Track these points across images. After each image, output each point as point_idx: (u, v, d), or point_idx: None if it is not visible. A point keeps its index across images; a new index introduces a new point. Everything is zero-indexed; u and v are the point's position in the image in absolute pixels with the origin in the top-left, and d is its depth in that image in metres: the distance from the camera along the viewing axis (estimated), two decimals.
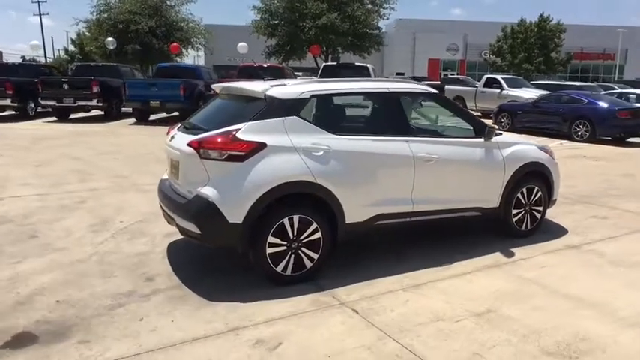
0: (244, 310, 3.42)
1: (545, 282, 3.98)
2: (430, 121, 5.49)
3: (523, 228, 5.05)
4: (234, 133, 3.64)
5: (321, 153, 3.80)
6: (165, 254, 4.46)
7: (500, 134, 5.05)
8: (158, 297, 3.62)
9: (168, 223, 4.24)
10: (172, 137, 4.15)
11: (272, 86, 3.92)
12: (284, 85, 3.98)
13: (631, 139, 13.65)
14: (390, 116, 4.38)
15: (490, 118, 16.28)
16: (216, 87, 4.59)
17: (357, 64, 15.68)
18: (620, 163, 10.31)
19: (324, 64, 14.82)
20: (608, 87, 23.65)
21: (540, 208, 5.15)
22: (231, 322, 3.26)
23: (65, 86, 15.65)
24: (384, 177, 4.11)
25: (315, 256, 3.85)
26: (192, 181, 3.77)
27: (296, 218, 3.73)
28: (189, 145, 3.74)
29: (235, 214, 3.57)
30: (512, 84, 20.80)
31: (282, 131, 3.75)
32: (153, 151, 9.77)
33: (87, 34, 36.70)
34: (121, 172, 8.05)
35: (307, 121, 3.89)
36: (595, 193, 7.21)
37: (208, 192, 3.60)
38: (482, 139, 4.66)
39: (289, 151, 3.72)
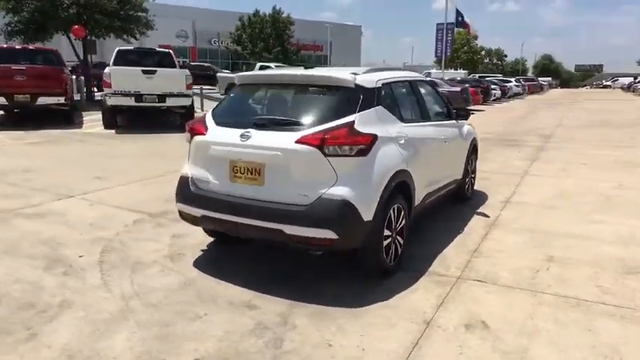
0: (410, 304, 3.32)
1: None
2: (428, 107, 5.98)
3: (470, 191, 6.11)
4: (352, 125, 3.39)
5: (403, 141, 3.88)
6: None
7: None
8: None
9: (236, 235, 3.68)
10: (243, 137, 3.48)
11: (356, 75, 3.73)
12: (358, 73, 3.82)
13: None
14: (427, 103, 4.72)
15: None
16: (257, 76, 4.05)
17: (158, 49, 14.31)
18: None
19: (118, 48, 12.94)
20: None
21: (474, 175, 6.30)
22: (420, 317, 3.14)
23: None
24: (433, 159, 4.49)
25: (402, 242, 3.93)
26: (304, 182, 3.32)
27: (396, 207, 3.74)
28: (302, 142, 3.29)
29: (368, 210, 3.37)
30: None
31: (378, 121, 3.66)
32: None
33: None
34: None
35: (387, 109, 3.88)
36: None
37: (341, 191, 3.27)
38: (454, 121, 5.42)
39: (390, 142, 3.70)
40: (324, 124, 3.37)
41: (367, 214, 3.36)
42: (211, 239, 4.44)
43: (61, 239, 4.51)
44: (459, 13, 36.36)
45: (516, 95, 36.34)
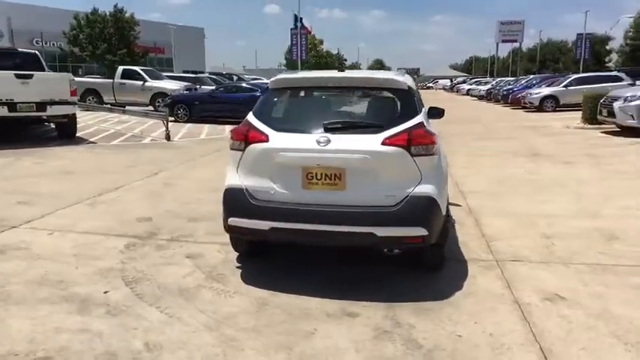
0: (483, 288, 3.55)
1: None
2: None
3: None
4: (424, 125, 3.53)
5: None
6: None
7: None
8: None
9: (310, 244, 3.61)
10: (321, 142, 3.37)
11: (400, 77, 3.85)
12: (400, 75, 3.95)
13: None
14: None
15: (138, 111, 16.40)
16: (306, 79, 3.97)
17: (21, 50, 12.18)
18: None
19: None
20: None
21: None
22: (504, 298, 3.40)
23: None
24: None
25: None
26: (390, 183, 3.36)
27: None
28: (389, 143, 3.33)
29: (443, 206, 3.56)
30: (154, 76, 21.08)
31: (428, 121, 3.86)
32: None
33: None
34: None
35: None
36: None
37: (426, 189, 3.39)
38: None
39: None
40: (400, 125, 3.45)
41: (444, 209, 3.55)
42: (230, 255, 4.19)
43: (59, 276, 3.79)
44: (297, 18, 37.89)
45: None
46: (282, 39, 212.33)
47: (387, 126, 3.47)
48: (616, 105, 12.09)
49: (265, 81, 21.25)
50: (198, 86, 20.92)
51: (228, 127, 14.62)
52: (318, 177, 3.41)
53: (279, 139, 3.49)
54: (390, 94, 3.81)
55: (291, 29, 37.35)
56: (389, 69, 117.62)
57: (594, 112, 13.77)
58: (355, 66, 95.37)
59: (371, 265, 4.06)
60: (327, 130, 3.46)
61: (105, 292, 3.53)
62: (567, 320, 3.14)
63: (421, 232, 3.35)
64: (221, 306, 3.35)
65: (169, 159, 9.25)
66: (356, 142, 3.39)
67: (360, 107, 3.90)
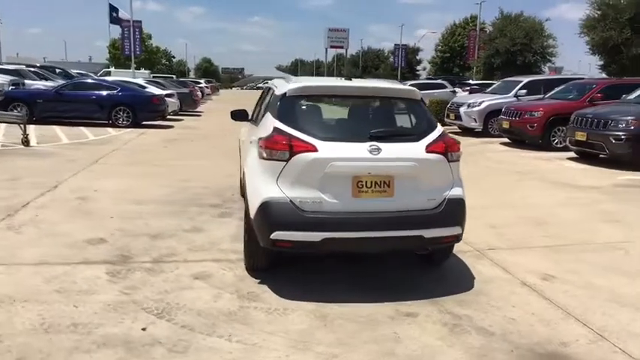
0: (487, 276, 4.03)
1: None
2: None
3: None
4: (446, 133, 3.84)
5: None
6: None
7: None
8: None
9: (359, 251, 3.71)
10: (373, 150, 3.43)
11: (413, 88, 4.10)
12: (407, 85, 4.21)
13: None
14: None
15: None
16: (332, 87, 3.95)
17: None
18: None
19: None
20: None
21: None
22: (513, 282, 3.92)
23: None
24: None
25: None
26: (431, 188, 3.62)
27: None
28: (432, 150, 3.57)
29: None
30: None
31: None
32: None
33: None
34: None
35: None
36: None
37: (458, 191, 3.74)
38: None
39: None
40: (432, 134, 3.73)
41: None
42: (237, 271, 4.03)
43: (67, 319, 3.15)
44: (113, 8, 34.54)
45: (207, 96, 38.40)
46: (93, 30, 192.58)
47: (420, 134, 3.72)
48: (462, 110, 14.22)
49: (130, 80, 19.01)
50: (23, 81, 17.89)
51: (87, 130, 13.15)
52: (368, 185, 3.49)
53: (328, 149, 3.46)
54: (406, 104, 4.04)
55: (122, 22, 34.16)
56: (217, 67, 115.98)
57: (438, 115, 15.93)
58: (182, 63, 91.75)
59: (373, 265, 4.27)
60: (373, 138, 3.55)
61: (143, 329, 3.05)
62: (571, 294, 3.82)
63: (458, 231, 3.71)
64: (285, 325, 3.21)
65: (51, 169, 7.91)
66: (403, 150, 3.56)
67: (395, 116, 4.05)
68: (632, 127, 8.88)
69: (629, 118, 9.01)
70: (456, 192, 3.74)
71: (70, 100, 14.34)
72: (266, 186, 3.53)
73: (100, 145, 11.03)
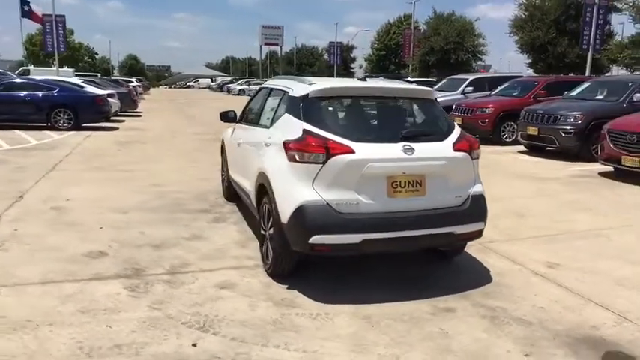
0: (499, 268, 4.21)
1: None
2: None
3: None
4: (466, 133, 3.96)
5: None
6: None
7: None
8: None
9: (394, 251, 3.80)
10: (407, 150, 3.48)
11: (428, 88, 4.20)
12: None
13: None
14: None
15: None
16: (356, 88, 3.97)
17: None
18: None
19: None
20: None
21: None
22: (526, 272, 4.13)
23: None
24: None
25: None
26: (458, 185, 3.74)
27: None
28: (458, 149, 3.68)
29: None
30: None
31: None
32: None
33: None
34: None
35: None
36: None
37: (479, 188, 3.88)
38: None
39: None
40: (454, 133, 3.85)
41: None
42: (261, 277, 3.94)
43: (105, 341, 2.93)
44: (24, 2, 32.34)
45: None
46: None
47: (444, 134, 3.82)
48: None
49: (59, 78, 17.62)
50: None
51: (25, 134, 12.19)
52: (402, 185, 3.53)
53: (364, 151, 3.46)
54: (425, 104, 4.12)
55: (44, 16, 31.79)
56: (143, 65, 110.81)
57: None
58: (105, 60, 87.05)
59: (386, 262, 4.33)
60: (405, 139, 3.59)
61: (193, 345, 2.90)
62: (581, 280, 4.09)
63: (482, 226, 3.86)
64: (334, 329, 3.18)
65: (4, 178, 7.24)
66: (434, 150, 3.64)
67: (408, 116, 4.11)
68: (580, 122, 9.63)
69: (576, 113, 9.75)
70: (478, 189, 3.88)
71: (3, 101, 13.16)
72: (300, 189, 3.47)
73: (48, 150, 10.23)
